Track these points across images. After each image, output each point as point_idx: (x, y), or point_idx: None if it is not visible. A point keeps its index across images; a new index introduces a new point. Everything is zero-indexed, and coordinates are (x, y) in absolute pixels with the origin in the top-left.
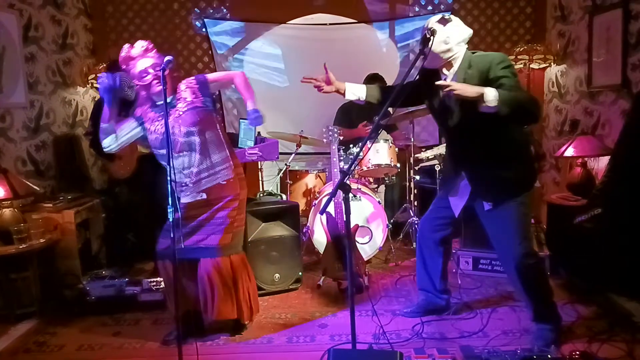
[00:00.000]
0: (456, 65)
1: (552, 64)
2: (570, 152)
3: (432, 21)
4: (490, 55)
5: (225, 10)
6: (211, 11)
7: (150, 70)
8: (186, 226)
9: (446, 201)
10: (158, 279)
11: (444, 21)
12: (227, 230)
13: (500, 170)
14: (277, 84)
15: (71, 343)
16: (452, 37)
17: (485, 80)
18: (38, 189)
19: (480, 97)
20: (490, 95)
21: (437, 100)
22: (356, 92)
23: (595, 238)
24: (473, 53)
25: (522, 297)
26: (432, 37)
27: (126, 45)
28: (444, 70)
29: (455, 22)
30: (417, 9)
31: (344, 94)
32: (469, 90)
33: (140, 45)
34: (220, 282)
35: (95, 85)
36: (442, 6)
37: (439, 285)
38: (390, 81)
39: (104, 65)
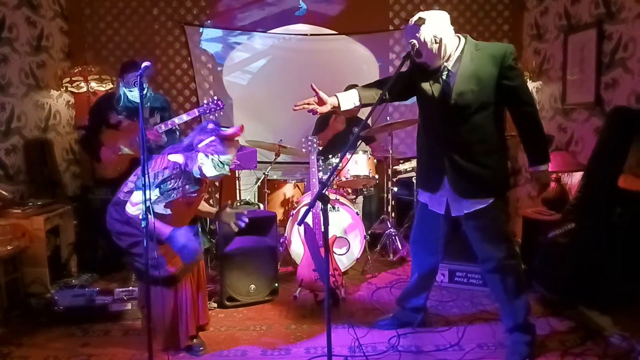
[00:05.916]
0: (457, 53)
1: (528, 80)
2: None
3: (409, 31)
4: (504, 45)
5: (204, 18)
6: (190, 18)
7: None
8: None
9: (432, 211)
10: (130, 288)
11: (416, 27)
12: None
13: (481, 167)
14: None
15: (37, 354)
16: (439, 31)
17: (498, 65)
18: (7, 194)
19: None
20: (546, 166)
21: (435, 87)
22: (350, 99)
23: (568, 252)
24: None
25: (500, 302)
26: (412, 50)
27: None
28: (445, 63)
29: (430, 17)
30: (396, 22)
31: (339, 107)
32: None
33: None
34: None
35: (69, 89)
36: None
37: (420, 302)
38: None
39: (79, 68)
